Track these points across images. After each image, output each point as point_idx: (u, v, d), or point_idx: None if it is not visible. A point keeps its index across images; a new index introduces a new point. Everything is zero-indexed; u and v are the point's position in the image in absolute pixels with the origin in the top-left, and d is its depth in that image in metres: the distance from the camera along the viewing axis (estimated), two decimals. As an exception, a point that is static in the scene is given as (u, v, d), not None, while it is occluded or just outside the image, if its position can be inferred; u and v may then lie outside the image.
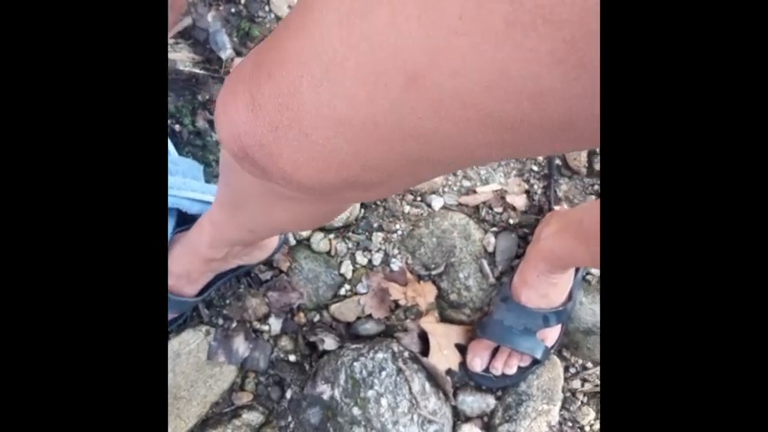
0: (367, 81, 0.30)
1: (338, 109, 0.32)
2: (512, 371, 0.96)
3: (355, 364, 0.92)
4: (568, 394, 1.01)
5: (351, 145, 0.33)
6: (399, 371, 0.92)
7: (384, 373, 0.91)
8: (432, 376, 0.95)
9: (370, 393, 0.90)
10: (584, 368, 1.02)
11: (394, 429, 0.89)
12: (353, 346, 0.95)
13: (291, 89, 0.33)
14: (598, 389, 1.00)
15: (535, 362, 0.96)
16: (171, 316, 0.90)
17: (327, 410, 0.91)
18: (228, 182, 0.58)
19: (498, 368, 0.96)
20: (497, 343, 0.95)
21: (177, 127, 1.00)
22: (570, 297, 0.97)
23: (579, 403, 1.00)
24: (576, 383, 1.01)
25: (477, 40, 0.25)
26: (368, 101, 0.30)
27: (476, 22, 0.25)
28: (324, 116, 0.32)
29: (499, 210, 1.05)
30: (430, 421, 0.92)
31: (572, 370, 1.02)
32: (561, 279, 0.94)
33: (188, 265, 0.83)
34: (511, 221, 1.05)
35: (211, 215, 0.73)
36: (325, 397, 0.91)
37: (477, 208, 1.05)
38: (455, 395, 0.98)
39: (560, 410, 0.99)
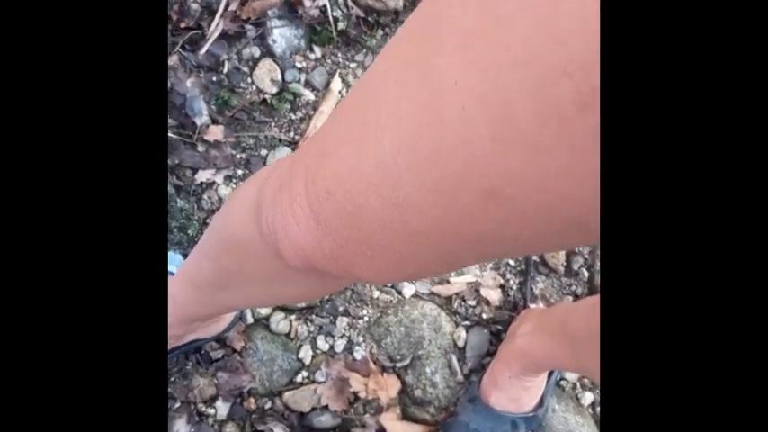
0: (441, 197, 0.27)
1: (411, 224, 0.30)
2: None
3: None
4: None
5: (429, 251, 0.32)
6: (352, 471, 0.84)
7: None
8: (387, 480, 0.86)
9: (317, 495, 0.81)
10: (555, 483, 0.94)
11: None
12: (304, 439, 0.87)
13: (356, 206, 0.31)
14: (568, 507, 0.91)
15: None
16: None
17: None
18: (221, 264, 0.53)
19: None
20: None
21: (142, 190, 0.96)
22: (542, 402, 0.90)
23: None
24: (545, 499, 0.92)
25: (558, 155, 0.23)
26: (444, 215, 0.28)
27: (554, 137, 0.23)
28: (396, 230, 0.31)
29: (472, 303, 1.00)
30: None
31: (541, 484, 0.94)
32: (534, 382, 0.88)
33: None
34: (484, 316, 0.99)
35: (174, 295, 0.66)
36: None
37: (449, 299, 1.00)
38: (412, 503, 0.89)
39: None
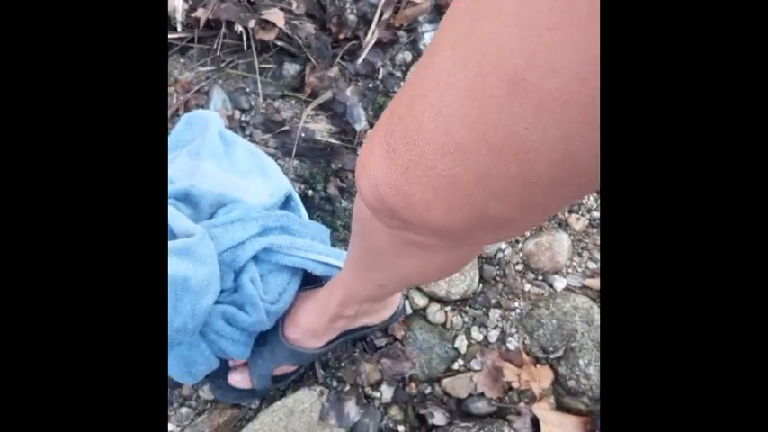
0: (475, 97, 0.31)
1: (454, 133, 0.33)
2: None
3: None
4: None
5: (470, 172, 0.34)
6: (509, 456, 0.89)
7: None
8: (543, 466, 0.90)
9: (477, 476, 0.87)
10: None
11: None
12: (463, 424, 0.93)
13: (416, 124, 0.35)
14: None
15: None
16: (290, 368, 0.93)
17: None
18: (360, 243, 0.60)
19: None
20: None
21: (310, 192, 1.05)
22: None
23: None
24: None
25: (568, 31, 0.26)
26: (477, 117, 0.31)
27: (564, 13, 0.26)
28: (443, 144, 0.34)
29: (625, 296, 1.00)
30: None
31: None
32: None
33: (315, 322, 0.86)
34: (638, 309, 0.99)
35: (342, 277, 0.76)
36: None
37: (601, 292, 1.01)
38: (567, 489, 0.93)
39: None
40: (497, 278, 1.02)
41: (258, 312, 0.86)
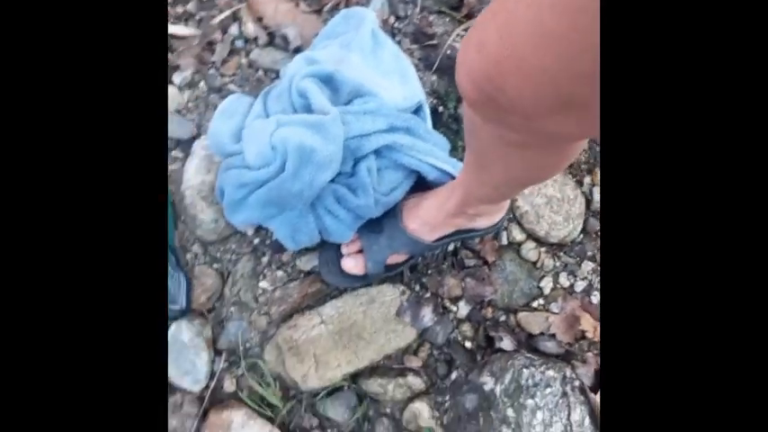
0: None
1: (545, 23, 0.36)
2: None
3: (525, 370, 0.94)
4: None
5: (560, 60, 0.37)
6: (564, 394, 0.92)
7: (549, 390, 0.92)
8: (594, 414, 0.93)
9: (529, 402, 0.91)
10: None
11: (539, 445, 0.90)
12: (528, 354, 0.97)
13: (509, 17, 0.39)
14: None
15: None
16: (402, 257, 0.99)
17: (484, 401, 0.94)
18: (470, 145, 0.67)
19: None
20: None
21: (441, 108, 1.09)
22: None
23: None
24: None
25: None
26: (566, 7, 0.34)
27: None
28: (534, 34, 0.37)
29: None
30: (577, 455, 0.90)
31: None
32: None
33: (435, 215, 0.93)
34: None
35: (462, 178, 0.83)
36: (486, 389, 0.94)
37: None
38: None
39: None
40: (599, 234, 1.03)
41: (367, 197, 0.92)
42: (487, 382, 0.95)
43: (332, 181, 0.94)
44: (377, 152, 0.96)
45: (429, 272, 1.05)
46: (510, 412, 0.92)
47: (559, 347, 0.99)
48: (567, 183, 1.03)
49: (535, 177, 0.67)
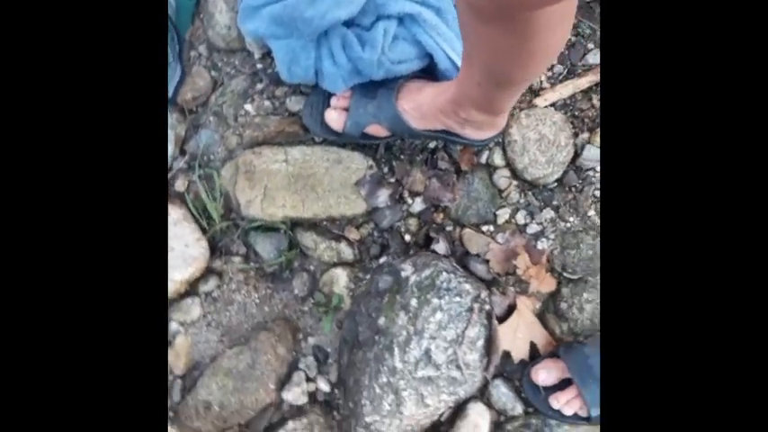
0: None
1: None
2: (566, 411, 0.92)
3: (444, 274, 0.95)
4: (583, 469, 0.94)
5: None
6: (470, 309, 0.94)
7: (458, 300, 0.94)
8: (490, 340, 0.95)
9: (435, 301, 0.93)
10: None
11: (425, 341, 0.92)
12: (456, 265, 0.99)
13: None
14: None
15: (588, 419, 0.91)
16: (382, 132, 0.98)
17: (396, 285, 0.96)
18: (461, 32, 0.68)
19: (560, 402, 0.92)
20: (572, 377, 0.91)
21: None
22: None
23: (585, 485, 0.94)
24: (598, 468, 0.94)
25: None
26: None
27: None
28: None
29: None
30: (458, 367, 0.93)
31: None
32: None
33: (427, 107, 0.92)
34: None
35: (458, 76, 0.82)
36: (403, 275, 0.96)
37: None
38: (494, 377, 0.97)
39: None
40: (572, 189, 1.03)
41: (373, 54, 0.92)
42: (406, 269, 0.97)
43: (345, 25, 0.94)
44: (400, 20, 0.96)
45: (402, 157, 1.06)
46: (414, 302, 0.94)
47: (487, 273, 1.01)
48: (564, 130, 1.02)
49: (507, 70, 0.67)
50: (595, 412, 0.88)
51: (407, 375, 0.91)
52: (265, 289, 1.08)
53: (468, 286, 0.95)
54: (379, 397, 0.92)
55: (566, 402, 0.91)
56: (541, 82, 1.06)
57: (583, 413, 0.91)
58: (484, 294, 0.97)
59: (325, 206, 1.04)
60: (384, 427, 0.92)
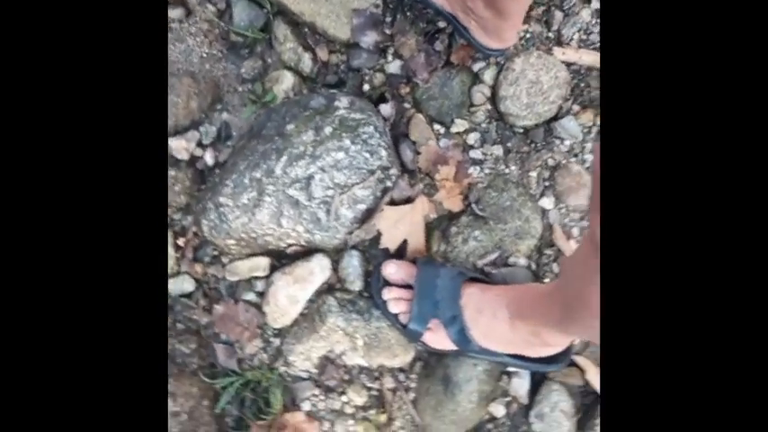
0: None
1: None
2: (392, 307, 0.92)
3: (371, 128, 0.94)
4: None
5: None
6: (372, 173, 0.93)
7: (366, 156, 0.93)
8: (371, 212, 0.94)
9: (346, 143, 0.92)
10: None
11: (314, 167, 0.91)
12: (388, 132, 0.97)
13: None
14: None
15: (405, 327, 0.90)
16: None
17: (324, 109, 0.94)
18: None
19: (390, 294, 0.92)
20: (413, 285, 0.90)
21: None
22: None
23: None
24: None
25: None
26: None
27: None
28: None
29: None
30: (327, 211, 0.92)
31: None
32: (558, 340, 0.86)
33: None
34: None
35: None
36: (336, 104, 0.95)
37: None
38: (353, 247, 0.97)
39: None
40: (532, 144, 1.01)
41: None
42: (342, 102, 0.95)
43: None
44: None
45: (407, 14, 1.02)
46: (328, 130, 0.93)
47: (410, 162, 0.99)
48: (560, 88, 0.99)
49: None
50: (413, 326, 0.88)
51: (279, 185, 0.90)
52: (218, 51, 1.05)
53: (384, 153, 0.94)
54: (244, 187, 0.90)
55: (394, 298, 0.91)
56: (573, 35, 1.02)
57: (404, 319, 0.90)
58: (394, 171, 0.95)
59: (314, 10, 1.01)
60: (231, 216, 0.91)
